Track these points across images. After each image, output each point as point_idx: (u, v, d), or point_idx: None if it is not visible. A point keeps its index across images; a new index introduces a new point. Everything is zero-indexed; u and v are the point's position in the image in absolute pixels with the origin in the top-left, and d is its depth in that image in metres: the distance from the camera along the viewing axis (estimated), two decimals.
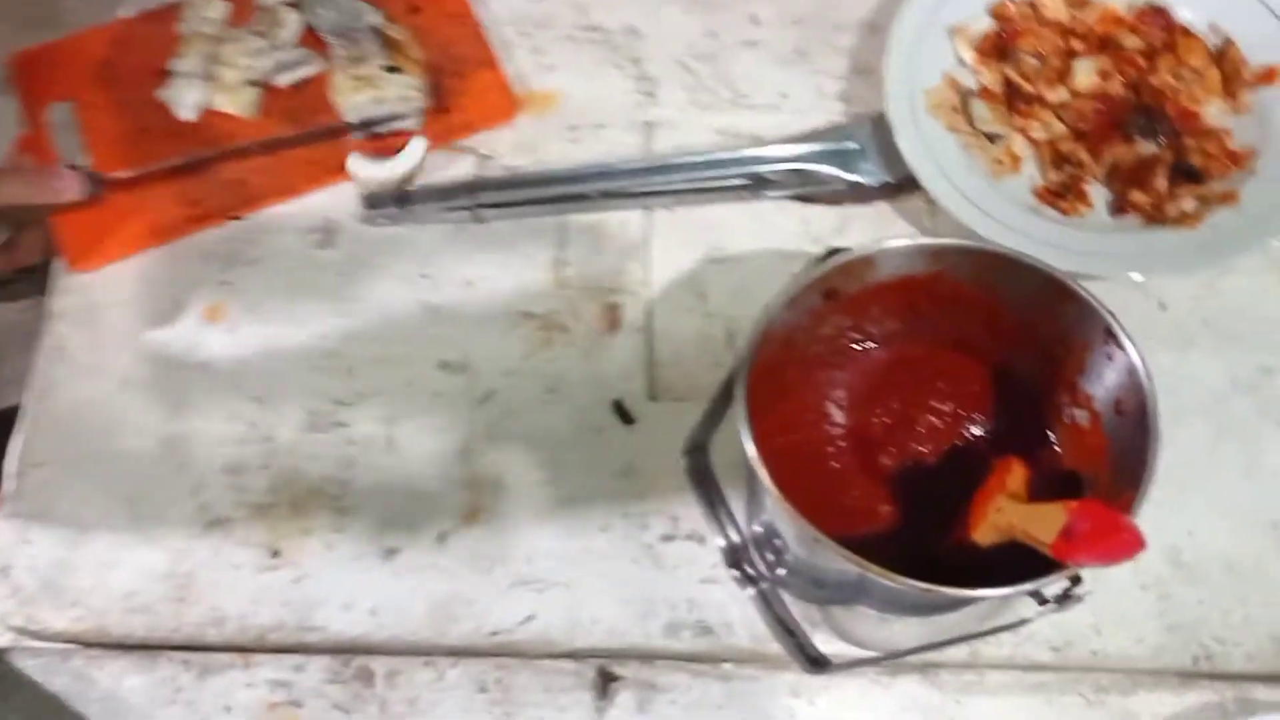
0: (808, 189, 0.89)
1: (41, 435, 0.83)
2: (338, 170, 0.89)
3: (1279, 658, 0.74)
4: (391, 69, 0.90)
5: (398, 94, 0.89)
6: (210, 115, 0.93)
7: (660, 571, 0.77)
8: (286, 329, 0.85)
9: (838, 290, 0.67)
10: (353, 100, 0.89)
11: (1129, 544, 0.54)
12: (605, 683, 0.75)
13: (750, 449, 0.60)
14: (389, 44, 0.92)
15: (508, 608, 0.76)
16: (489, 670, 0.75)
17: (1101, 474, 0.66)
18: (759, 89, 0.94)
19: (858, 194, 0.88)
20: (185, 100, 0.92)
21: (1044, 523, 0.57)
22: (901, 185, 0.87)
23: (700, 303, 0.85)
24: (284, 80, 0.93)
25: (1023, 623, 0.67)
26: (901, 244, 0.66)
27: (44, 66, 0.95)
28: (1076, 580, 0.59)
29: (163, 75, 0.93)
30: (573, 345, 0.84)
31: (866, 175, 0.88)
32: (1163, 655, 0.75)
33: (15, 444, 0.84)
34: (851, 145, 0.89)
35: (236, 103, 0.92)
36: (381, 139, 0.90)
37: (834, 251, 0.66)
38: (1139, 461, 0.60)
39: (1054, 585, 0.59)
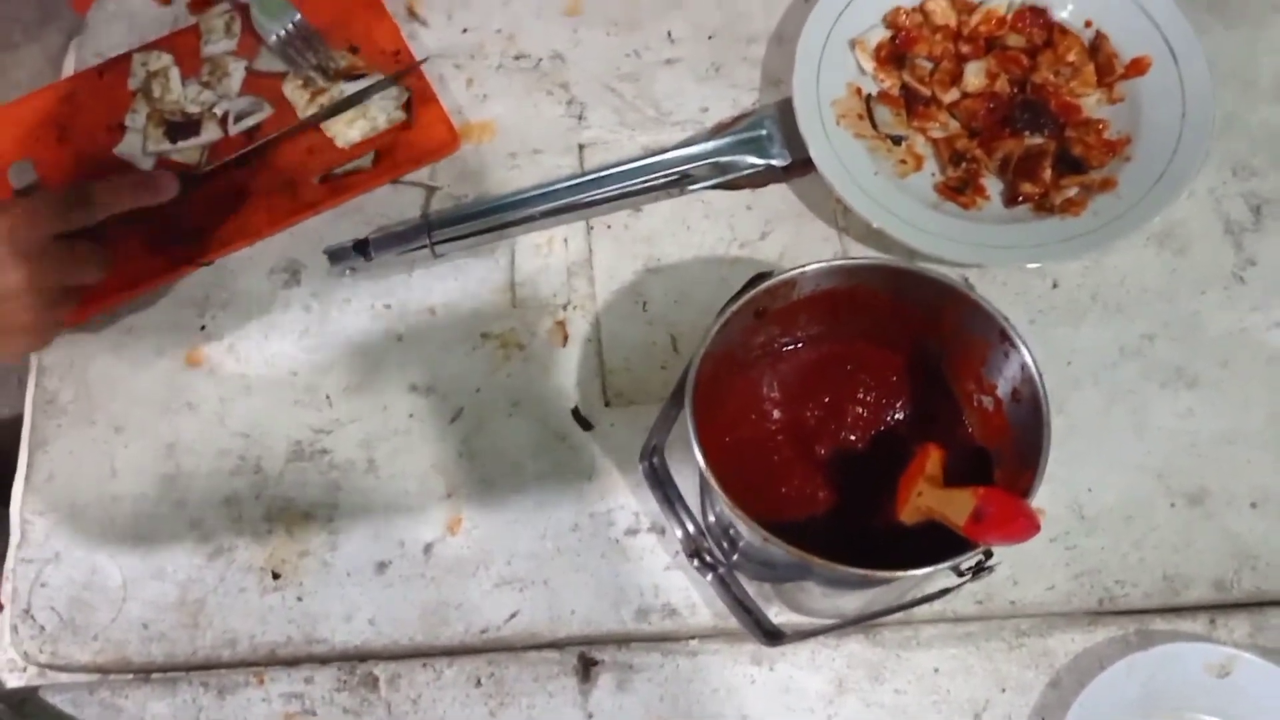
0: (727, 177, 0.96)
1: (43, 484, 0.88)
2: (297, 211, 0.95)
3: (1172, 593, 0.83)
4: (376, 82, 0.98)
5: (384, 112, 0.97)
6: (165, 165, 0.97)
7: (628, 563, 0.84)
8: (264, 367, 0.91)
9: (766, 309, 0.74)
10: (346, 133, 0.97)
11: (1027, 528, 0.61)
12: (587, 667, 0.82)
13: (701, 462, 0.67)
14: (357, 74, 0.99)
15: (493, 607, 0.83)
16: (481, 665, 0.82)
17: (1006, 451, 0.74)
18: (680, 105, 0.99)
19: (771, 175, 0.96)
20: (142, 154, 0.97)
21: (956, 507, 0.64)
22: (808, 161, 0.93)
23: (642, 311, 0.92)
24: (237, 129, 0.98)
25: (945, 593, 0.76)
26: (818, 266, 0.73)
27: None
28: (989, 554, 0.67)
29: (117, 130, 0.98)
30: (531, 360, 0.90)
31: (777, 157, 0.96)
32: (1072, 599, 0.83)
33: (16, 493, 0.89)
34: (761, 131, 0.97)
35: (191, 154, 0.97)
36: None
37: (761, 276, 0.73)
38: (1035, 444, 0.68)
39: (969, 560, 0.66)
